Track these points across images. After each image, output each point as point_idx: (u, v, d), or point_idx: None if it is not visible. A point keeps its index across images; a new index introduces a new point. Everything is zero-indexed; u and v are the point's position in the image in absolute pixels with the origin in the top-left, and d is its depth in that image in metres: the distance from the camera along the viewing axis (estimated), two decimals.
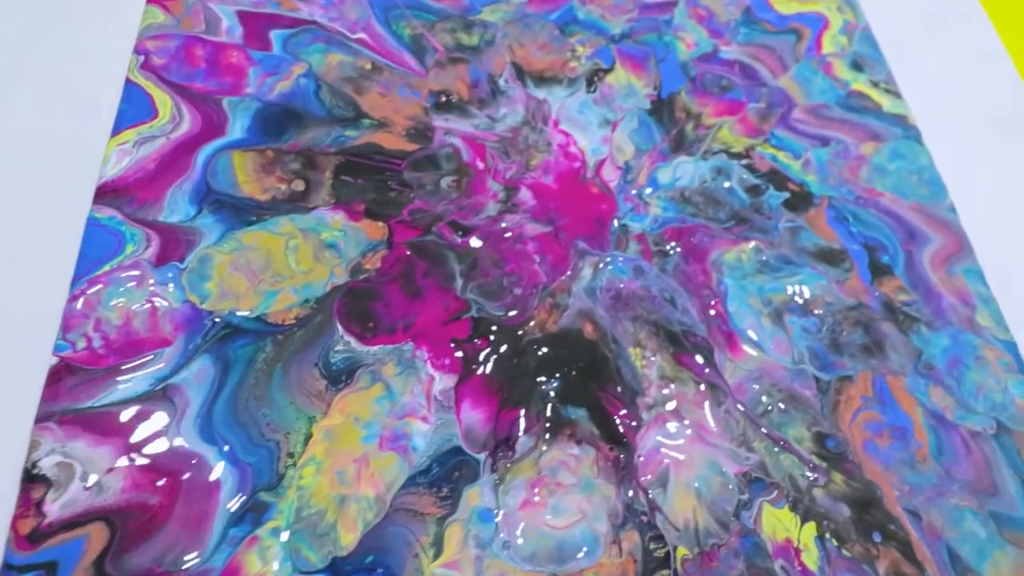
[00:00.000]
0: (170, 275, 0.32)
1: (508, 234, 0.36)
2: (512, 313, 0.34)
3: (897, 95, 0.44)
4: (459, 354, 0.33)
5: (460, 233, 0.36)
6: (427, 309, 0.33)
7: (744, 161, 0.41)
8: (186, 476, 0.28)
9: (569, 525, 0.30)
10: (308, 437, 0.30)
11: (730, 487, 0.31)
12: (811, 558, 0.30)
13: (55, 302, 0.31)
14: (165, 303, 0.31)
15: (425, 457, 0.30)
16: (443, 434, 0.31)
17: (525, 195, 0.38)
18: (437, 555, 0.28)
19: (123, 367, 0.30)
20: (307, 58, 0.40)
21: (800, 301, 0.36)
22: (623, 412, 0.32)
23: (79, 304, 0.31)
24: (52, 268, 0.31)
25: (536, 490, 0.30)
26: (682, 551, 0.30)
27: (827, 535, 0.31)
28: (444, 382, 0.32)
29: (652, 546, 0.30)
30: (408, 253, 0.35)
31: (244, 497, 0.28)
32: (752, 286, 0.37)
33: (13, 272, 0.32)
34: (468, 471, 0.30)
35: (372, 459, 0.30)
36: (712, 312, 0.36)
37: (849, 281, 0.37)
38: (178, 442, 0.29)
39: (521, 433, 0.31)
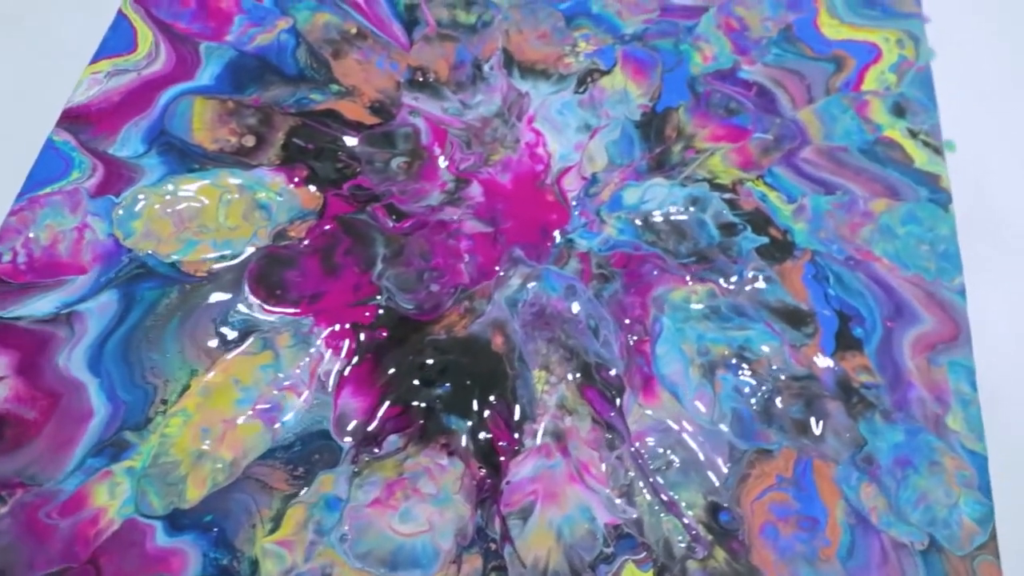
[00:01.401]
0: (103, 207, 0.34)
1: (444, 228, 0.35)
2: (422, 309, 0.33)
3: (937, 151, 0.39)
4: (355, 339, 0.32)
5: (394, 218, 0.35)
6: (337, 288, 0.33)
7: (727, 195, 0.37)
8: (63, 399, 0.30)
9: (413, 534, 0.29)
10: (185, 388, 0.31)
11: (596, 536, 0.30)
12: None
13: None
14: (91, 233, 0.33)
15: (291, 433, 0.30)
16: (315, 415, 0.31)
17: (475, 190, 0.36)
18: (274, 530, 0.29)
19: (37, 286, 0.32)
20: (295, 14, 0.39)
21: (740, 359, 0.33)
22: (506, 434, 0.31)
23: (15, 219, 0.33)
24: (3, 180, 0.33)
25: (391, 491, 0.30)
26: None
27: None
28: (332, 364, 0.32)
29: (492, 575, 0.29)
30: (335, 228, 0.34)
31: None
32: (692, 332, 0.34)
33: None
34: (329, 457, 0.30)
35: (240, 423, 0.30)
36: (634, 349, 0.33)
37: (807, 348, 0.34)
38: (66, 366, 0.30)
39: (393, 431, 0.31)
